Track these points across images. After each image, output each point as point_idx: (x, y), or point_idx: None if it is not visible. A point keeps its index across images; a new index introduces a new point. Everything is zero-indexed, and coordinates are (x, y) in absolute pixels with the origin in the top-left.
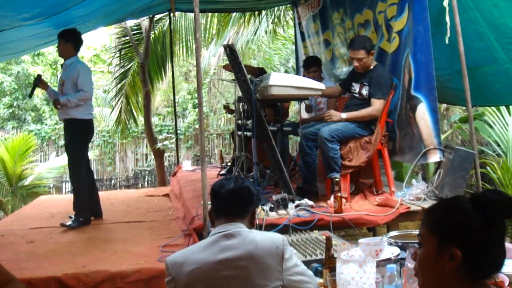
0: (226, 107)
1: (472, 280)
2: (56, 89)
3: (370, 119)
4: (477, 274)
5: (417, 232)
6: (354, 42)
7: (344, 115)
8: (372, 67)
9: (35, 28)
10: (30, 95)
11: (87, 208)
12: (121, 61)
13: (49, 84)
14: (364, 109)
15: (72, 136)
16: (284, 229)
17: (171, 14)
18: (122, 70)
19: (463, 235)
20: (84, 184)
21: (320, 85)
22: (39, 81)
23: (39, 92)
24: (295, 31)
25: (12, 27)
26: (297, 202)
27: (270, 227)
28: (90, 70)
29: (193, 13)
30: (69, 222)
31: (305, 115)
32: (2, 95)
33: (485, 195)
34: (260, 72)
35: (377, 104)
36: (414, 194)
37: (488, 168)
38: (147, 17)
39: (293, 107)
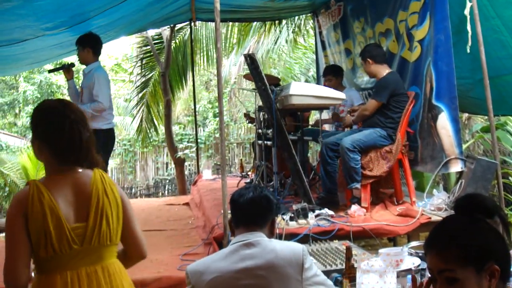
0: (247, 115)
1: (504, 285)
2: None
3: (363, 118)
4: (507, 276)
5: None
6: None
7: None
8: (382, 75)
9: (58, 37)
10: (50, 71)
11: None
12: (142, 70)
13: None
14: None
15: None
16: (304, 239)
17: (192, 24)
18: (143, 79)
19: (494, 248)
20: None
21: (341, 95)
22: (67, 68)
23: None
24: (315, 40)
25: (36, 37)
26: (317, 211)
27: (290, 236)
28: (108, 79)
29: (214, 23)
30: None
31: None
32: (25, 103)
33: (469, 200)
34: (274, 81)
35: (368, 104)
36: (435, 204)
37: (510, 178)
38: (168, 26)
39: (313, 116)
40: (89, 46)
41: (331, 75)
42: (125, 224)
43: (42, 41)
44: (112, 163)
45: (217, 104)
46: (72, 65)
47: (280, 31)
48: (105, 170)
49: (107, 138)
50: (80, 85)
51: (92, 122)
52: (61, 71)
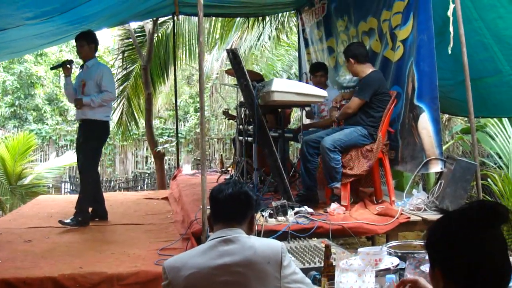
0: (226, 113)
1: None
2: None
3: (347, 116)
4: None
5: (416, 242)
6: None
7: (337, 114)
8: (366, 74)
9: (38, 27)
10: (52, 68)
11: (87, 210)
12: (124, 63)
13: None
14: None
15: (87, 137)
16: (283, 236)
17: (175, 18)
18: (125, 72)
19: (439, 256)
20: (92, 186)
21: (323, 92)
22: (66, 65)
23: (41, 92)
24: (298, 38)
25: (16, 26)
26: (296, 209)
27: (269, 233)
28: (111, 72)
29: (197, 17)
30: (67, 220)
31: (306, 121)
32: (4, 94)
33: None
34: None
35: (351, 102)
36: (414, 204)
37: (489, 180)
38: (151, 19)
39: (295, 113)
40: (94, 42)
41: (323, 70)
42: None
43: (22, 31)
44: None
45: (198, 99)
46: (71, 61)
47: (263, 28)
48: (99, 160)
49: (102, 129)
50: (79, 77)
51: (92, 112)
52: (59, 69)
